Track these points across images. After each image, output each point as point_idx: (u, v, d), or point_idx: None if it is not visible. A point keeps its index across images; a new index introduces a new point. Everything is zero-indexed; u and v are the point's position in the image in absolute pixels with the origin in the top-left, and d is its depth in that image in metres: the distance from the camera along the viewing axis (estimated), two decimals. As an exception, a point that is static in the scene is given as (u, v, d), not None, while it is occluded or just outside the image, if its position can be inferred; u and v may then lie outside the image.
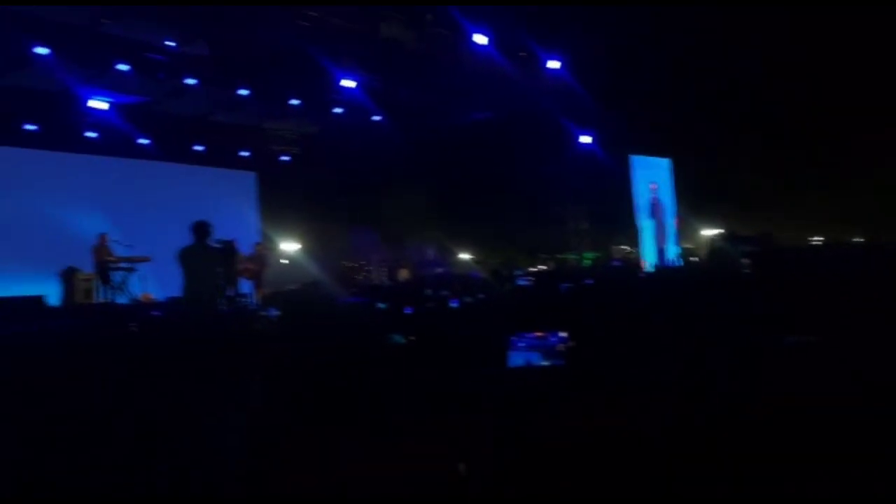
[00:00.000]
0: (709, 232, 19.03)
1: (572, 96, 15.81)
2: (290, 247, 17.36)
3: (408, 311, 8.35)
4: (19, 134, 13.73)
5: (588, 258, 17.21)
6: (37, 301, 10.75)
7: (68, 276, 12.41)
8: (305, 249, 17.54)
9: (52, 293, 12.03)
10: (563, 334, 4.30)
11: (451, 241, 18.81)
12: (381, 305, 9.59)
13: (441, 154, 17.38)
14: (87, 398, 4.67)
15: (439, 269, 16.97)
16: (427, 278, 15.53)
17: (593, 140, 16.52)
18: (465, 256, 19.19)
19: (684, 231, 18.30)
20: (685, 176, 17.77)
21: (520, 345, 4.27)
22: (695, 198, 17.92)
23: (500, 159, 16.72)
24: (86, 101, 13.70)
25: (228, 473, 3.18)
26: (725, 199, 17.62)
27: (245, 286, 13.46)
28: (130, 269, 12.51)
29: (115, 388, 4.89)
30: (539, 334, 4.31)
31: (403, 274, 16.62)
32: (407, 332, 6.32)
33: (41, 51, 11.40)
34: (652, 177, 17.35)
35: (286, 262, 17.45)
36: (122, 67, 12.47)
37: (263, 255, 14.35)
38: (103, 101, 13.85)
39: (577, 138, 16.51)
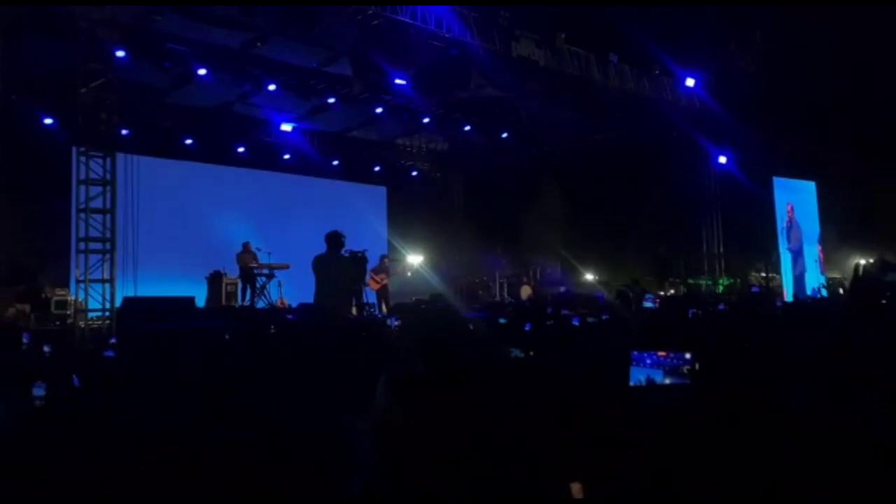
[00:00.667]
0: (859, 261, 17.54)
1: (711, 115, 15.18)
2: (415, 259, 17.77)
3: (527, 327, 8.32)
4: (179, 147, 15.01)
5: (723, 284, 16.32)
6: (189, 301, 11.69)
7: (215, 280, 13.37)
8: (430, 263, 17.89)
9: (199, 295, 13.01)
10: (687, 356, 4.13)
11: (577, 260, 18.50)
12: (501, 321, 9.63)
13: (570, 172, 17.21)
14: (220, 392, 5.01)
15: (562, 288, 16.73)
16: (549, 296, 15.38)
17: (733, 160, 15.71)
18: (589, 277, 18.80)
19: (832, 259, 16.98)
20: (832, 200, 16.51)
21: (643, 362, 4.14)
22: (843, 224, 16.60)
23: (633, 179, 16.28)
24: (240, 118, 14.82)
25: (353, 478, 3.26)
26: (874, 226, 16.19)
27: (370, 296, 13.93)
28: (271, 276, 13.33)
29: (251, 384, 5.21)
30: (662, 354, 4.16)
31: (526, 291, 16.53)
32: (526, 348, 6.30)
33: (201, 71, 12.49)
34: (792, 199, 16.25)
35: (410, 274, 17.87)
36: (271, 87, 13.40)
37: (388, 268, 14.78)
38: (253, 116, 14.92)
39: (716, 158, 15.77)
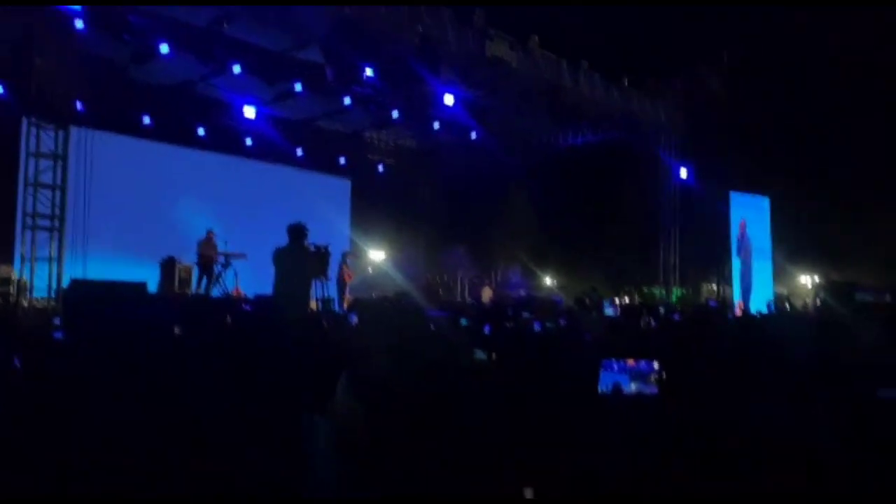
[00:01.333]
0: (807, 278, 18.05)
1: (675, 128, 15.41)
2: (376, 256, 17.60)
3: (487, 329, 8.27)
4: (138, 125, 14.51)
5: (676, 294, 16.61)
6: (141, 287, 11.21)
7: (168, 266, 12.95)
8: (392, 260, 17.74)
9: (151, 280, 12.59)
10: (655, 365, 4.15)
11: (537, 265, 18.60)
12: (463, 321, 9.56)
13: (534, 177, 17.28)
14: (175, 385, 4.80)
15: (522, 292, 16.80)
16: (509, 299, 15.40)
17: (693, 174, 15.99)
18: (548, 281, 18.92)
19: (780, 275, 17.42)
20: (784, 217, 16.94)
21: (611, 367, 4.15)
22: (793, 240, 17.05)
23: (596, 187, 16.47)
24: (202, 99, 14.38)
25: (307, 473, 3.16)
26: (824, 245, 16.67)
27: (330, 290, 13.70)
28: (227, 265, 12.98)
29: (207, 378, 5.01)
30: (631, 362, 4.17)
31: (486, 293, 16.53)
32: (488, 350, 6.24)
33: (164, 48, 12.05)
34: (746, 214, 16.61)
35: (370, 270, 17.69)
36: (236, 69, 13.01)
37: (349, 264, 14.59)
38: (215, 98, 14.50)
39: (676, 171, 16.01)
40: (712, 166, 15.80)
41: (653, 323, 8.80)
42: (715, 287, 17.01)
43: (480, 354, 6.10)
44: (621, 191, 16.71)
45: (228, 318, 7.66)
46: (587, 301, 13.24)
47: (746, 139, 15.66)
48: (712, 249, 16.74)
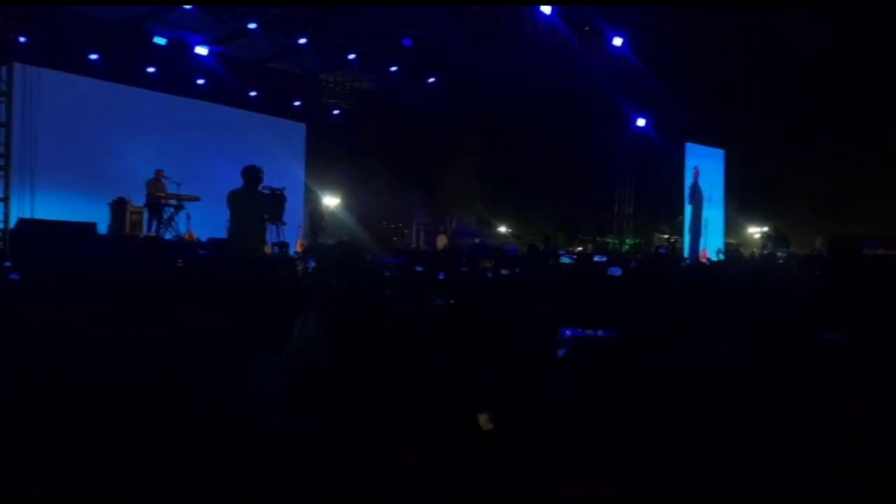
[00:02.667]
0: (756, 229, 18.65)
1: (633, 76, 15.46)
2: (331, 202, 17.50)
3: (441, 276, 8.42)
4: (85, 63, 13.95)
5: (628, 243, 16.99)
6: (90, 227, 11.03)
7: (119, 207, 12.70)
8: (346, 206, 17.67)
9: (102, 222, 12.35)
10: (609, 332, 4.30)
11: (491, 213, 18.75)
12: (418, 268, 9.68)
13: (491, 124, 17.22)
14: (132, 327, 4.82)
15: (476, 240, 16.97)
16: (464, 247, 15.57)
17: (650, 123, 16.15)
18: (502, 229, 19.13)
19: (731, 225, 17.93)
20: (737, 169, 17.34)
21: (564, 335, 4.27)
22: (746, 193, 17.52)
23: (552, 135, 16.51)
24: (152, 37, 13.85)
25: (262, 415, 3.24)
26: (776, 197, 17.19)
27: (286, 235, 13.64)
28: (180, 207, 12.77)
29: (159, 319, 5.03)
30: (588, 331, 4.31)
31: (441, 241, 16.66)
32: (444, 296, 6.38)
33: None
34: (700, 164, 16.93)
35: (326, 216, 17.62)
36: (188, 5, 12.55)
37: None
38: (166, 37, 14.00)
39: (634, 120, 16.15)
40: (669, 117, 16.00)
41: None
42: (667, 237, 17.44)
43: (437, 300, 6.24)
44: (578, 140, 16.83)
45: (180, 262, 7.63)
46: (541, 249, 13.49)
47: (705, 91, 15.84)
48: (666, 200, 17.08)
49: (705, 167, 16.93)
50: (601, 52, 15.18)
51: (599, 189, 17.65)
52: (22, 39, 11.32)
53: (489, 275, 9.08)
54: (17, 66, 9.49)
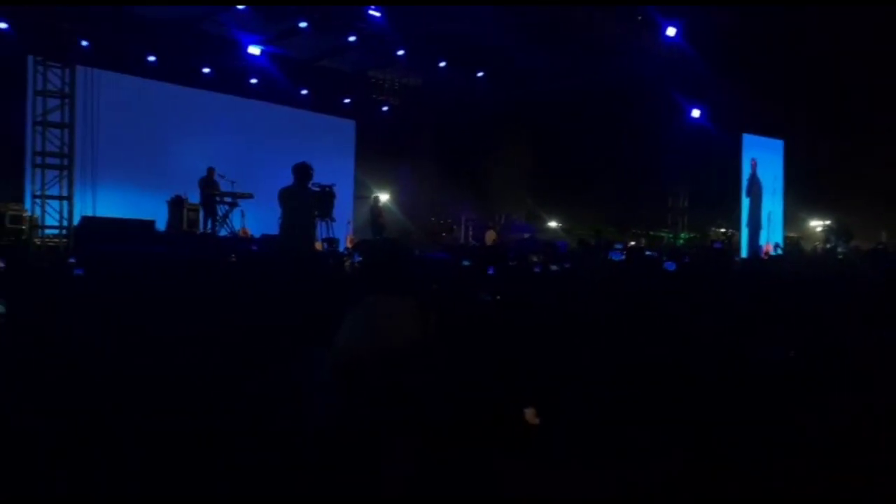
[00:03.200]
0: (818, 222, 18.01)
1: (686, 67, 15.09)
2: (381, 197, 17.63)
3: (490, 271, 8.39)
4: (142, 64, 14.40)
5: (683, 238, 16.60)
6: (149, 225, 11.41)
7: (176, 205, 13.06)
8: (395, 202, 17.76)
9: (160, 219, 12.74)
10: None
11: (542, 208, 18.57)
12: (465, 263, 9.68)
13: (541, 118, 17.05)
14: (188, 320, 4.95)
15: (526, 235, 16.84)
16: (513, 242, 15.49)
17: (705, 114, 15.73)
18: (553, 224, 18.93)
19: (791, 218, 17.35)
20: (797, 160, 16.75)
21: None
22: (805, 185, 16.91)
23: (603, 128, 16.23)
24: (207, 38, 14.19)
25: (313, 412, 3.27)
26: (836, 190, 16.53)
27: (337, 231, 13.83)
28: (234, 204, 13.07)
29: (212, 313, 5.16)
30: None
31: (490, 236, 16.59)
32: (491, 292, 6.36)
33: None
34: (758, 156, 16.40)
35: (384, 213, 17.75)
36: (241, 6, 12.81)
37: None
38: (220, 37, 14.32)
39: (688, 112, 15.76)
40: (726, 108, 15.55)
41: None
42: (723, 231, 16.97)
43: (485, 296, 6.23)
44: (630, 132, 16.50)
45: (233, 257, 7.81)
46: (591, 243, 13.32)
47: (763, 80, 15.34)
48: (722, 193, 16.62)
49: (763, 158, 16.41)
50: (654, 42, 14.86)
51: (653, 182, 17.26)
52: (84, 43, 11.74)
53: (537, 270, 9.00)
54: (78, 68, 9.84)
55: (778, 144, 16.80)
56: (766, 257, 14.30)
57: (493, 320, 4.83)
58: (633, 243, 16.63)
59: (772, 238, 16.05)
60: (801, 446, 2.89)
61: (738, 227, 16.22)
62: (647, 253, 11.14)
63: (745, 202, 16.04)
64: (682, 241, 16.41)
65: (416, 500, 2.46)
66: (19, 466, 2.56)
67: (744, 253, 15.27)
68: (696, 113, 15.71)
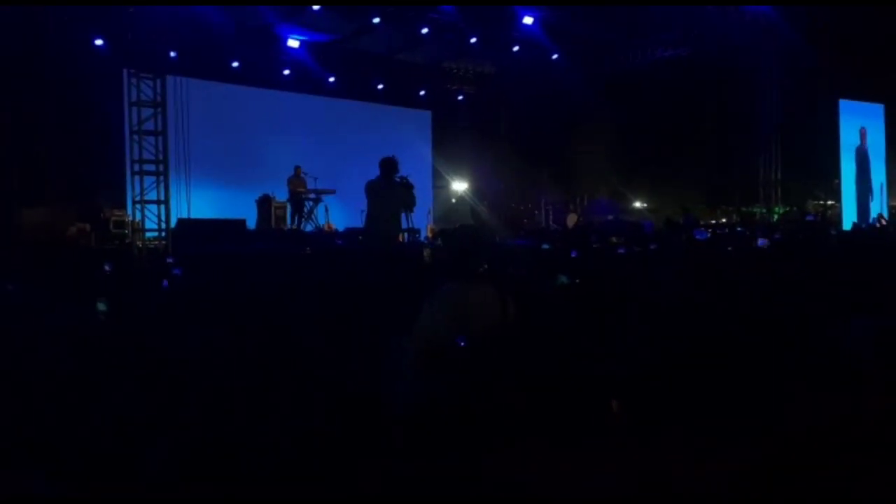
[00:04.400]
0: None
1: (774, 31, 14.34)
2: (459, 186, 17.69)
3: (573, 254, 8.29)
4: (226, 70, 15.01)
5: (777, 212, 15.82)
6: (241, 224, 11.97)
7: (264, 204, 13.59)
8: (474, 189, 17.78)
9: (250, 217, 13.29)
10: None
11: (625, 187, 18.13)
12: (545, 246, 9.61)
13: (621, 96, 16.60)
14: (279, 312, 5.16)
15: (609, 216, 16.50)
16: (596, 224, 15.22)
17: (797, 81, 14.90)
18: (637, 204, 18.46)
19: (893, 188, 16.22)
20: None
21: None
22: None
23: (687, 101, 15.64)
24: (285, 40, 14.65)
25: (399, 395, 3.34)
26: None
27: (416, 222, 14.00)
28: (318, 200, 13.48)
29: (302, 304, 5.36)
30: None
31: (572, 219, 16.37)
32: (572, 275, 6.29)
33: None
34: (862, 123, 15.39)
35: (454, 201, 17.84)
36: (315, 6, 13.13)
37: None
38: (297, 39, 14.74)
39: (778, 79, 14.98)
40: (819, 73, 14.68)
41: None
42: (821, 202, 16.05)
43: (563, 279, 6.17)
44: (716, 104, 15.84)
45: (308, 250, 8.03)
46: (677, 222, 12.91)
47: (857, 41, 14.38)
48: (818, 163, 15.73)
49: (867, 125, 15.40)
50: (737, 7, 14.20)
51: (742, 155, 16.49)
52: (172, 54, 12.36)
53: (621, 251, 8.83)
54: (168, 78, 10.39)
55: (878, 109, 15.72)
56: (879, 226, 13.48)
57: (572, 305, 4.78)
58: (724, 220, 16.01)
59: (875, 209, 15.08)
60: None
61: (837, 199, 15.31)
62: (738, 230, 10.70)
63: (850, 171, 15.10)
64: (776, 216, 15.65)
65: (493, 487, 2.48)
66: (127, 473, 2.59)
67: (846, 225, 14.41)
68: (785, 81, 14.93)
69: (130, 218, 11.13)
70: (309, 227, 13.32)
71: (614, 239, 9.72)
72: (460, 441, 2.86)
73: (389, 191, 7.31)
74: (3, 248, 9.42)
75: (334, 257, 8.73)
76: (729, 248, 8.57)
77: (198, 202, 11.98)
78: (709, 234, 9.87)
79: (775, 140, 15.78)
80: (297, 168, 13.67)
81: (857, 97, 15.44)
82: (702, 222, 13.88)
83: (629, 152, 16.96)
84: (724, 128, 15.94)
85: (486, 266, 3.90)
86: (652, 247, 9.19)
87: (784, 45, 14.47)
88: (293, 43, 14.91)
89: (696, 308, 4.28)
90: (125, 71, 10.61)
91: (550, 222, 16.77)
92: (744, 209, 16.72)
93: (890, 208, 15.52)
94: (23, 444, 2.75)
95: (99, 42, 13.09)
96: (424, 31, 14.69)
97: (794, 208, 15.97)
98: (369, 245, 7.63)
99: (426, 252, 8.58)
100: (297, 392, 3.55)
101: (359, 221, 9.08)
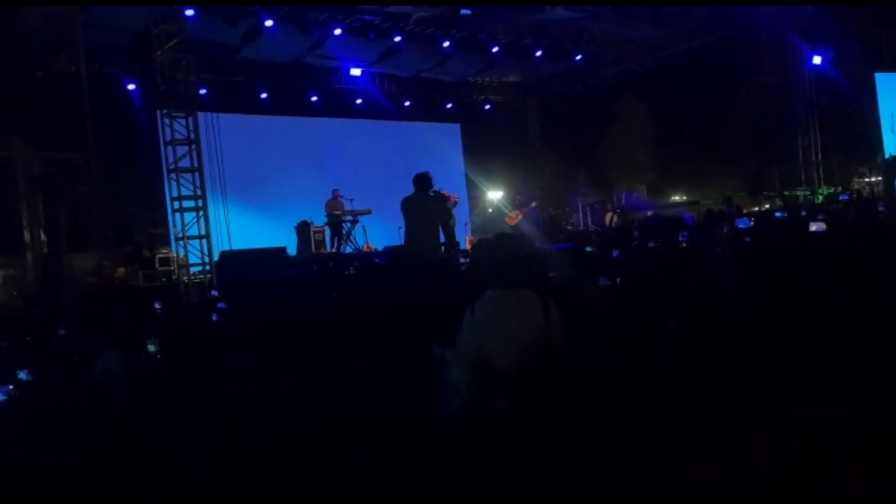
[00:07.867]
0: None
1: (803, 10, 13.99)
2: (494, 195, 17.64)
3: (615, 254, 8.21)
4: (256, 102, 15.30)
5: (822, 193, 15.37)
6: (282, 251, 12.17)
7: (303, 229, 13.78)
8: (509, 197, 17.71)
9: (290, 244, 13.48)
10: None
11: (663, 182, 17.84)
12: (588, 249, 9.52)
13: (651, 89, 16.35)
14: (323, 333, 5.21)
15: (649, 212, 16.24)
16: (636, 221, 15.01)
17: (828, 59, 14.49)
18: (676, 197, 18.16)
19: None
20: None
21: None
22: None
23: (718, 89, 15.32)
24: (311, 68, 14.93)
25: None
26: None
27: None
28: (355, 221, 13.63)
29: (344, 323, 5.40)
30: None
31: (610, 217, 16.17)
32: (612, 275, 6.22)
33: (268, 23, 12.58)
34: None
35: (490, 210, 17.79)
36: (337, 32, 13.34)
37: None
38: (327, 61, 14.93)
39: (809, 59, 14.60)
40: (851, 49, 14.27)
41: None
42: (868, 180, 15.54)
43: (604, 280, 6.10)
44: (748, 90, 15.48)
45: (351, 269, 8.10)
46: (723, 210, 12.62)
47: (889, 12, 13.95)
48: (859, 140, 15.25)
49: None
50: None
51: (780, 139, 16.09)
52: (202, 91, 12.68)
53: (661, 246, 8.68)
54: (200, 115, 10.64)
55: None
56: None
57: (612, 305, 4.71)
58: (767, 206, 15.62)
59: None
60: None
61: (882, 174, 14.80)
62: (777, 214, 10.42)
63: (893, 145, 14.58)
64: (821, 198, 15.21)
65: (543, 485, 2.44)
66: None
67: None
68: (817, 59, 14.54)
69: (175, 254, 11.38)
70: (348, 249, 13.45)
71: (656, 235, 9.56)
72: (515, 450, 2.82)
73: (425, 205, 7.32)
74: (55, 294, 9.71)
75: (375, 275, 8.79)
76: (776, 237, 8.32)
77: (238, 233, 12.20)
78: (751, 223, 9.63)
79: (812, 120, 15.38)
80: (334, 192, 13.84)
81: (892, 69, 14.97)
82: (745, 210, 13.56)
83: (663, 145, 16.68)
84: (760, 113, 15.56)
85: (524, 272, 3.85)
86: (695, 236, 8.99)
87: (813, 21, 14.12)
88: (320, 71, 15.13)
89: (746, 304, 4.13)
90: (158, 112, 10.89)
91: (589, 223, 16.61)
92: (787, 193, 16.29)
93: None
94: (82, 485, 2.80)
95: (132, 86, 13.52)
96: (446, 44, 14.74)
97: (839, 188, 15.50)
98: (409, 261, 7.64)
99: (463, 263, 8.58)
100: (352, 415, 3.56)
101: (397, 239, 9.12)
